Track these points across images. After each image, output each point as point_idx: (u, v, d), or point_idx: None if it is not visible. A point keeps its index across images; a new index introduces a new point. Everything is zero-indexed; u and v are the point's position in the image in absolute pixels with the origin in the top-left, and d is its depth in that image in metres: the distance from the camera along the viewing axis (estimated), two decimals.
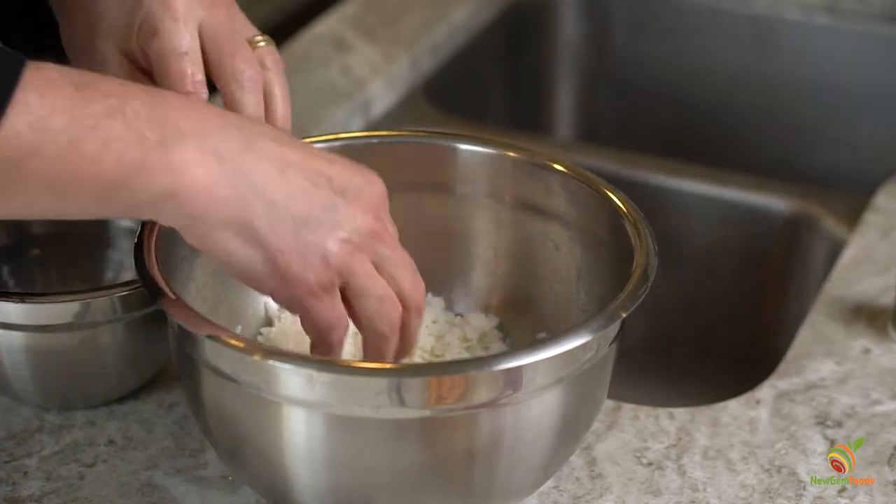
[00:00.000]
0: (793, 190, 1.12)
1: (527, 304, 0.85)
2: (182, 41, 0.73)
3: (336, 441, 0.69)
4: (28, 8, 0.85)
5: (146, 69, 0.75)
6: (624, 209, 0.78)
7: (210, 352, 0.69)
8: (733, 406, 0.85)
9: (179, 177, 0.62)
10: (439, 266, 0.86)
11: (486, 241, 0.85)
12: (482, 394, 0.68)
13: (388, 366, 0.70)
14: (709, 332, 1.18)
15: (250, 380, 0.68)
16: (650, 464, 0.81)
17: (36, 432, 0.83)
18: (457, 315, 0.85)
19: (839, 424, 0.84)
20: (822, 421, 0.84)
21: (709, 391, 0.96)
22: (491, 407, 0.68)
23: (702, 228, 1.14)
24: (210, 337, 0.68)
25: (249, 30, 0.77)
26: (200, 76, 0.74)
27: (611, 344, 0.72)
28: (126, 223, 0.90)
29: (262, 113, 0.75)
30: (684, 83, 1.40)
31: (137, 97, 0.62)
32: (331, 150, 0.82)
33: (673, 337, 1.18)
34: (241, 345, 0.68)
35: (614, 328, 0.72)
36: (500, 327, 0.85)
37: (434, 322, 0.84)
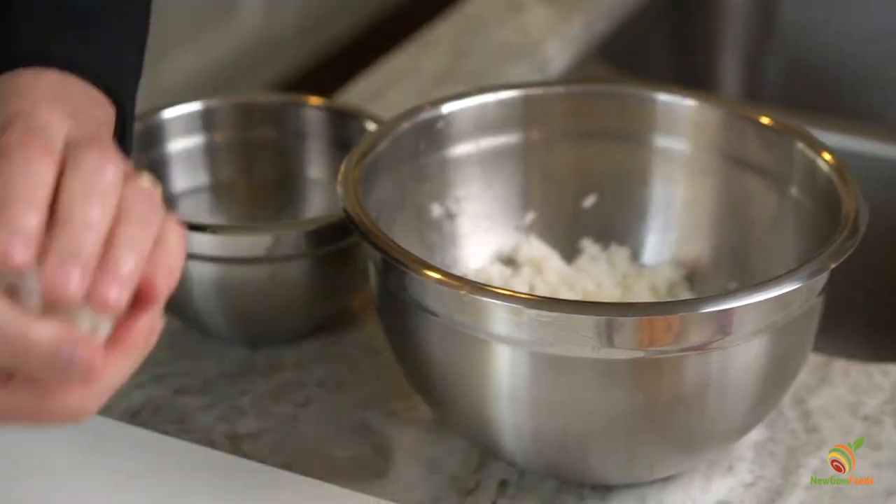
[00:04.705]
0: None
1: (716, 255, 0.84)
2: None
3: (544, 381, 0.69)
4: None
5: None
6: (829, 160, 0.77)
7: (418, 289, 0.69)
8: None
9: None
10: (627, 215, 0.85)
11: (677, 190, 0.84)
12: (694, 336, 0.67)
13: (600, 302, 0.70)
14: None
15: (459, 317, 0.69)
16: (866, 418, 0.80)
17: (248, 372, 0.83)
18: (643, 266, 0.85)
19: None
20: None
21: None
22: (702, 350, 0.68)
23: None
24: (422, 274, 0.68)
25: None
26: None
27: (818, 294, 0.72)
28: (313, 174, 0.91)
29: None
30: (853, 49, 1.37)
31: None
32: (528, 96, 0.84)
33: (875, 289, 1.16)
34: (455, 282, 0.68)
35: (822, 278, 0.71)
36: (688, 278, 0.84)
37: (622, 273, 0.84)
